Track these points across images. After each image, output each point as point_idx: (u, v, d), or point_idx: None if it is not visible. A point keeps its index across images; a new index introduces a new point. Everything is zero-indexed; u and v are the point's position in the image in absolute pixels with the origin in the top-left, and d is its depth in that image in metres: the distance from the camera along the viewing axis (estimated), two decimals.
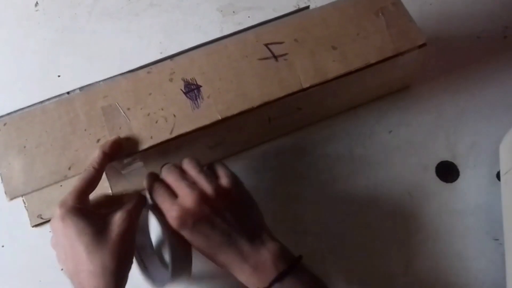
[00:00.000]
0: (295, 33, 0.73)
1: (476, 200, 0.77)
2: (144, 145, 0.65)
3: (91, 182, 0.60)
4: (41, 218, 0.76)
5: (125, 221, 0.58)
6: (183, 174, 0.62)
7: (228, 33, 0.74)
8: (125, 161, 0.66)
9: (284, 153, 0.81)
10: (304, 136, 0.82)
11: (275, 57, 0.71)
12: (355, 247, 0.74)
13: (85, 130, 0.66)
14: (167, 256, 0.73)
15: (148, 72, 0.70)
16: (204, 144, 0.73)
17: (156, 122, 0.67)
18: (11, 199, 0.63)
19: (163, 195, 0.61)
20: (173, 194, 0.60)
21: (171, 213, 0.59)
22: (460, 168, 0.79)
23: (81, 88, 0.69)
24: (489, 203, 0.76)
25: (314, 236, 0.75)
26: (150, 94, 0.68)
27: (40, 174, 0.64)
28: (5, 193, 0.63)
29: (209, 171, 0.64)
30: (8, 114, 0.67)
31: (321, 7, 0.76)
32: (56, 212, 0.57)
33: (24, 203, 0.76)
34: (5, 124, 0.66)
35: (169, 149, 0.68)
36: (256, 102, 0.68)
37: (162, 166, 0.64)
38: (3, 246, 0.76)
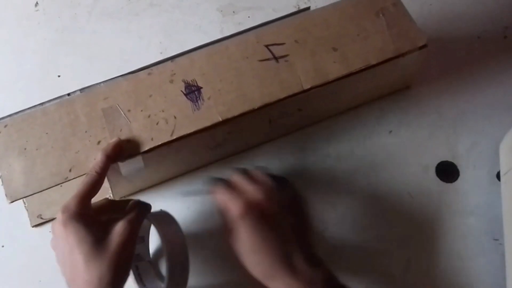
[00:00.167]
0: (295, 34, 0.73)
1: (476, 200, 0.77)
2: (144, 147, 0.65)
3: (94, 187, 0.60)
4: (41, 218, 0.76)
5: (126, 231, 0.57)
6: (250, 177, 0.63)
7: (229, 34, 0.74)
8: (126, 162, 0.66)
9: (285, 153, 0.81)
10: (305, 136, 0.82)
11: (276, 58, 0.71)
12: (355, 247, 0.75)
13: (86, 131, 0.66)
14: (163, 269, 0.72)
15: (149, 74, 0.70)
16: (205, 145, 0.73)
17: (157, 123, 0.67)
18: (12, 201, 0.63)
19: (228, 188, 0.61)
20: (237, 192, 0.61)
21: (237, 201, 0.58)
22: (460, 168, 0.79)
23: (81, 90, 0.69)
24: (489, 203, 0.76)
25: (314, 236, 0.75)
26: (150, 95, 0.68)
27: (40, 176, 0.64)
28: (6, 195, 0.63)
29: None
30: (9, 115, 0.67)
31: (322, 8, 0.75)
32: (58, 216, 0.57)
33: (24, 203, 0.76)
34: (5, 126, 0.66)
35: (169, 150, 0.68)
36: (256, 104, 0.68)
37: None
38: (3, 246, 0.76)
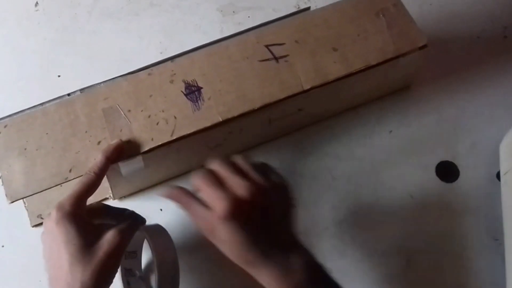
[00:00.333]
0: (295, 34, 0.73)
1: (476, 200, 0.77)
2: (145, 147, 0.65)
3: (91, 187, 0.60)
4: (41, 218, 0.76)
5: (115, 240, 0.57)
6: (235, 166, 0.58)
7: (229, 34, 0.74)
8: (126, 162, 0.66)
9: (285, 153, 0.81)
10: (305, 136, 0.82)
11: (276, 59, 0.71)
12: (355, 247, 0.75)
13: (86, 132, 0.66)
14: (153, 282, 0.73)
15: (149, 74, 0.70)
16: (205, 145, 0.73)
17: (157, 124, 0.67)
18: (12, 202, 0.63)
19: (211, 180, 0.56)
20: (222, 185, 0.55)
21: (221, 202, 0.53)
22: (460, 168, 0.79)
23: (81, 90, 0.69)
24: (489, 203, 0.77)
25: (314, 236, 0.75)
26: (150, 95, 0.68)
27: (40, 177, 0.64)
28: (6, 195, 0.63)
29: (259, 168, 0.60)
30: (9, 116, 0.67)
31: (322, 8, 0.76)
32: (52, 213, 0.56)
33: (24, 203, 0.76)
34: (5, 126, 0.66)
35: (170, 150, 0.68)
36: (256, 104, 0.68)
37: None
38: (3, 246, 0.76)
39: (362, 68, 0.71)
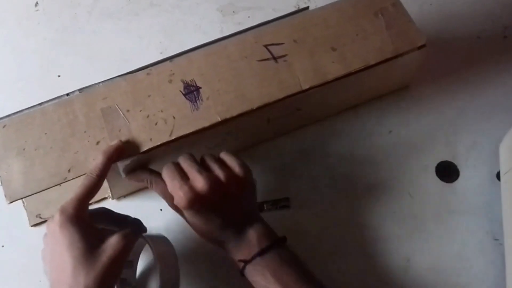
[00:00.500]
0: (294, 34, 0.73)
1: (476, 200, 0.77)
2: (143, 147, 0.65)
3: (93, 189, 0.60)
4: (40, 217, 0.77)
5: (120, 245, 0.57)
6: (198, 161, 0.64)
7: (228, 34, 0.74)
8: (125, 163, 0.66)
9: (284, 153, 0.81)
10: (304, 136, 0.82)
11: (275, 58, 0.71)
12: (355, 247, 0.74)
13: (85, 132, 0.66)
14: None
15: (148, 74, 0.70)
16: (203, 145, 0.73)
17: (156, 124, 0.67)
18: (11, 202, 0.63)
19: (174, 173, 0.61)
20: (185, 177, 0.61)
21: (180, 192, 0.60)
22: (460, 168, 0.79)
23: (80, 90, 0.69)
24: (489, 203, 0.76)
25: (314, 236, 0.75)
26: (149, 95, 0.68)
27: (39, 177, 0.64)
28: (5, 196, 0.63)
29: (222, 160, 0.66)
30: (8, 116, 0.67)
31: (321, 8, 0.75)
32: (56, 216, 0.57)
33: (23, 202, 0.76)
34: (4, 126, 0.66)
35: (168, 150, 0.68)
36: (255, 104, 0.68)
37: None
38: (3, 246, 0.76)
39: (361, 68, 0.71)
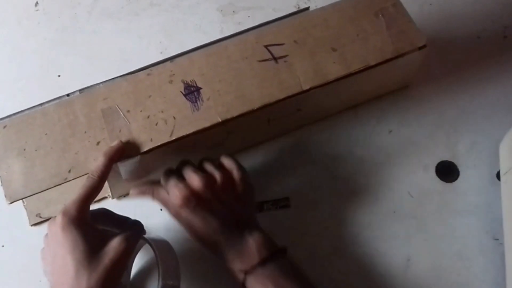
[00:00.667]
0: (295, 34, 0.73)
1: (476, 200, 0.77)
2: (144, 148, 0.65)
3: (94, 191, 0.60)
4: (40, 217, 0.77)
5: (122, 247, 0.57)
6: (195, 164, 0.66)
7: (228, 34, 0.74)
8: (125, 163, 0.66)
9: (284, 153, 0.81)
10: (304, 136, 0.82)
11: (275, 59, 0.71)
12: (355, 247, 0.74)
13: (85, 132, 0.66)
14: None
15: (148, 74, 0.70)
16: (204, 145, 0.73)
17: (156, 124, 0.67)
18: (11, 202, 0.63)
19: (171, 175, 0.64)
20: (181, 177, 0.63)
21: (176, 190, 0.61)
22: (460, 168, 0.79)
23: (80, 90, 0.69)
24: (489, 203, 0.76)
25: (314, 236, 0.75)
26: (150, 96, 0.68)
27: (40, 177, 0.64)
28: (5, 196, 0.63)
29: (221, 163, 0.67)
30: (8, 116, 0.67)
31: (321, 8, 0.75)
32: (58, 218, 0.57)
33: (23, 202, 0.76)
34: (5, 127, 0.66)
35: (168, 151, 0.68)
36: (256, 104, 0.68)
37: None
38: (3, 246, 0.76)
39: (361, 68, 0.71)
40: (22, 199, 0.64)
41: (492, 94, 0.85)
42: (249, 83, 0.69)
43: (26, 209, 0.77)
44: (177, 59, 0.71)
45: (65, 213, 0.56)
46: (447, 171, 0.79)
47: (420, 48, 0.72)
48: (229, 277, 0.65)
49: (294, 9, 0.78)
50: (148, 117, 0.67)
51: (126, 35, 0.94)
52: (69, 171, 0.64)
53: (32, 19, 0.97)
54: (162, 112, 0.67)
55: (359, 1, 0.75)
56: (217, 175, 0.63)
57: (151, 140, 0.66)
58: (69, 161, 0.65)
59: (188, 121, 0.67)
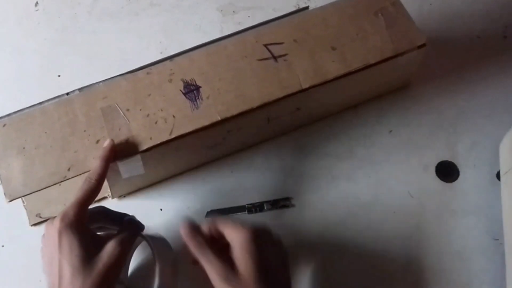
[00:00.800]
0: (294, 33, 0.73)
1: (476, 200, 0.77)
2: (143, 146, 0.65)
3: (92, 194, 0.60)
4: (40, 217, 0.76)
5: (116, 252, 0.57)
6: None
7: (228, 34, 0.74)
8: (125, 162, 0.66)
9: (284, 152, 0.81)
10: (304, 135, 0.82)
11: (275, 58, 0.71)
12: (355, 247, 0.74)
13: (85, 131, 0.66)
14: None
15: (148, 73, 0.70)
16: (204, 144, 0.73)
17: (156, 123, 0.67)
18: (11, 200, 0.63)
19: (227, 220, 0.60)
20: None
21: (243, 229, 0.57)
22: (460, 168, 0.79)
23: (80, 89, 0.69)
24: (489, 203, 0.76)
25: (314, 236, 0.75)
26: (149, 95, 0.68)
27: (39, 175, 0.64)
28: (4, 194, 0.63)
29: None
30: (8, 115, 0.67)
31: (321, 7, 0.76)
32: (56, 222, 0.57)
33: (23, 202, 0.76)
34: (4, 125, 0.66)
35: (168, 149, 0.68)
36: (255, 103, 0.68)
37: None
38: (3, 246, 0.76)
39: (361, 67, 0.71)
40: (21, 197, 0.64)
41: (492, 94, 0.85)
42: (249, 82, 0.69)
43: (26, 209, 0.77)
44: (176, 58, 0.71)
45: (63, 217, 0.56)
46: (447, 171, 0.79)
47: (420, 47, 0.72)
48: None
49: (294, 9, 0.78)
50: (148, 115, 0.67)
51: (126, 35, 0.94)
52: (69, 170, 0.64)
53: (32, 19, 0.97)
54: (161, 110, 0.67)
55: (359, 0, 0.75)
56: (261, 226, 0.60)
57: (151, 138, 0.66)
58: (69, 159, 0.65)
59: (188, 119, 0.67)
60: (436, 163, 0.80)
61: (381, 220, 0.76)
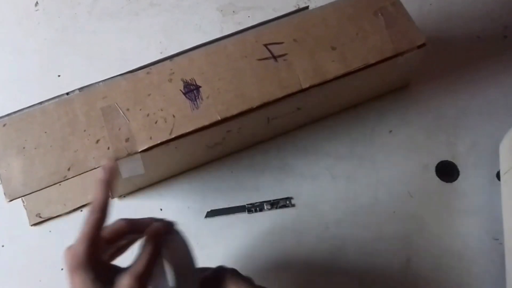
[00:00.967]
0: (294, 33, 0.73)
1: (476, 200, 0.77)
2: (143, 146, 0.65)
3: (99, 224, 0.53)
4: (40, 217, 0.76)
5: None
6: None
7: (228, 33, 0.74)
8: (125, 162, 0.66)
9: (284, 152, 0.81)
10: (304, 135, 0.82)
11: (275, 58, 0.71)
12: (355, 247, 0.74)
13: (85, 130, 0.66)
14: None
15: (148, 73, 0.70)
16: (204, 144, 0.73)
17: (156, 122, 0.67)
18: (10, 200, 0.63)
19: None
20: None
21: None
22: (460, 168, 0.79)
23: (80, 89, 0.69)
24: (489, 203, 0.76)
25: (314, 236, 0.75)
26: (149, 94, 0.68)
27: (39, 175, 0.64)
28: (4, 194, 0.63)
29: None
30: (8, 115, 0.67)
31: (321, 7, 0.75)
32: (67, 257, 0.52)
33: (23, 202, 0.77)
34: (4, 125, 0.66)
35: (168, 149, 0.68)
36: (255, 103, 0.68)
37: None
38: (3, 246, 0.76)
39: (361, 67, 0.71)
40: (21, 197, 0.64)
41: (492, 94, 0.85)
42: (249, 82, 0.69)
43: (26, 209, 0.77)
44: (176, 58, 0.71)
45: (71, 256, 0.51)
46: (447, 171, 0.79)
47: (419, 46, 0.72)
48: None
49: (294, 9, 0.78)
50: (148, 115, 0.67)
51: (126, 35, 0.94)
52: (69, 169, 0.64)
53: (32, 19, 0.97)
54: (161, 110, 0.67)
55: (359, 0, 0.75)
56: None
57: (151, 138, 0.66)
58: (69, 159, 0.65)
59: (188, 119, 0.67)
60: (436, 163, 0.80)
61: (381, 220, 0.76)
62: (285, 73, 0.70)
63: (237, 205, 0.77)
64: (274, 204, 0.77)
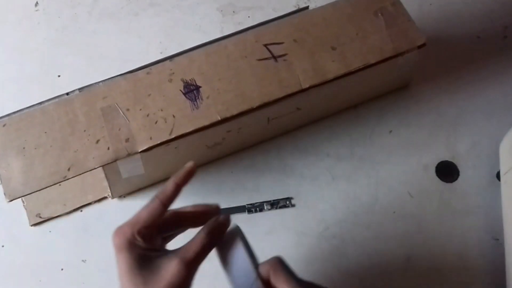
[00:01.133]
0: (294, 33, 0.73)
1: (476, 200, 0.77)
2: (143, 146, 0.65)
3: (158, 215, 0.52)
4: (40, 217, 0.76)
5: (178, 275, 0.49)
6: None
7: (228, 34, 0.74)
8: (125, 162, 0.66)
9: (284, 153, 0.81)
10: (304, 135, 0.82)
11: (275, 58, 0.71)
12: (355, 247, 0.74)
13: (85, 131, 0.66)
14: None
15: (148, 73, 0.70)
16: (204, 144, 0.73)
17: (156, 122, 0.67)
18: (10, 200, 0.63)
19: None
20: None
21: None
22: (460, 168, 0.79)
23: (80, 89, 0.69)
24: (489, 203, 0.76)
25: (314, 236, 0.75)
26: (149, 94, 0.68)
27: (39, 175, 0.64)
28: (4, 194, 0.63)
29: None
30: (7, 115, 0.67)
31: (321, 7, 0.76)
32: (115, 237, 0.51)
33: (23, 202, 0.76)
34: (4, 125, 0.66)
35: (168, 149, 0.68)
36: (255, 103, 0.68)
37: None
38: (3, 246, 0.76)
39: (361, 67, 0.71)
40: (21, 197, 0.64)
41: (492, 94, 0.85)
42: (249, 82, 0.69)
43: (26, 209, 0.77)
44: (176, 58, 0.71)
45: (119, 235, 0.51)
46: (447, 171, 0.79)
47: (420, 47, 0.72)
48: None
49: (294, 9, 0.78)
50: (148, 115, 0.67)
51: (126, 35, 0.94)
52: (69, 169, 0.64)
53: (32, 19, 0.96)
54: (161, 110, 0.67)
55: (359, 0, 0.75)
56: None
57: (151, 138, 0.66)
58: (69, 159, 0.65)
59: (188, 119, 0.67)
60: (436, 163, 0.80)
61: (381, 220, 0.76)
62: (285, 73, 0.70)
63: (237, 205, 0.77)
64: (274, 204, 0.77)
